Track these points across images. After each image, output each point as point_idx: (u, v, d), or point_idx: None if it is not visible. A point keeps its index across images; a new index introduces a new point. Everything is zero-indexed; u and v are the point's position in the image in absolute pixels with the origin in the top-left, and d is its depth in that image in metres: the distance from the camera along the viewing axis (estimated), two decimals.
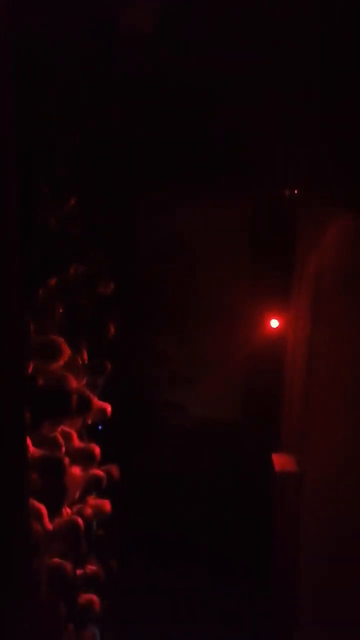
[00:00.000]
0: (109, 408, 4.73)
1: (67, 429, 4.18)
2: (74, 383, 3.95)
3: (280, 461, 4.78)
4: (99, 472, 4.52)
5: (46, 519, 3.65)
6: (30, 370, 3.69)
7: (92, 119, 3.95)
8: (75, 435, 4.29)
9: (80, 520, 4.08)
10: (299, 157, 4.23)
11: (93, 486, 4.50)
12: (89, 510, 4.42)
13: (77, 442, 4.32)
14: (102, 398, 4.88)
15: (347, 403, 4.37)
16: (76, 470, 4.26)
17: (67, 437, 4.14)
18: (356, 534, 4.19)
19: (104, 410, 4.70)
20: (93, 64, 3.50)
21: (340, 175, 4.14)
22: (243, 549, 5.37)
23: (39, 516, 3.59)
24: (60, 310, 4.13)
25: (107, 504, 4.64)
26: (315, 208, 4.53)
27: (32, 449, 3.67)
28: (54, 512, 3.87)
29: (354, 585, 4.06)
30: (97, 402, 4.59)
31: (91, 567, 4.56)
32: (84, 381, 4.55)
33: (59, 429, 3.98)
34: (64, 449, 3.98)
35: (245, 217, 5.34)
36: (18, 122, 2.56)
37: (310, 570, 4.39)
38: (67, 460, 3.90)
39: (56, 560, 3.83)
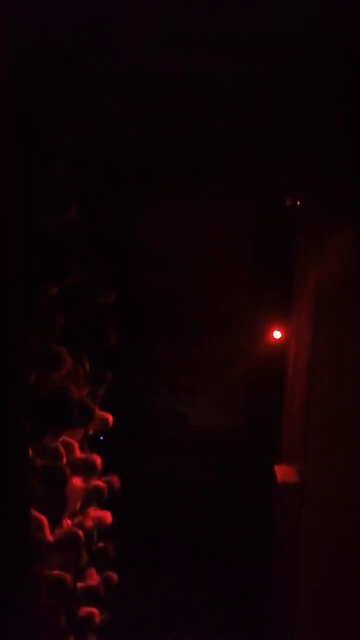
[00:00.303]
0: (110, 418, 4.70)
1: (68, 439, 4.15)
2: (75, 393, 3.92)
3: (282, 472, 4.76)
4: (100, 483, 4.48)
5: (47, 530, 3.61)
6: (32, 379, 3.65)
7: (92, 120, 3.93)
8: (76, 446, 4.26)
9: (80, 532, 4.04)
10: (301, 166, 4.22)
11: (94, 497, 4.47)
12: (89, 522, 4.38)
13: (78, 453, 4.28)
14: (103, 408, 4.87)
15: (348, 413, 4.38)
16: (77, 481, 4.22)
17: (68, 447, 4.11)
18: (355, 543, 4.22)
19: (105, 421, 4.67)
20: (93, 63, 3.48)
21: (343, 185, 4.14)
22: (243, 559, 5.33)
23: (40, 527, 3.56)
24: (61, 319, 4.10)
25: (108, 516, 4.60)
26: (317, 218, 4.52)
27: (33, 458, 3.64)
28: (55, 523, 3.83)
29: (352, 589, 4.09)
30: (99, 413, 4.55)
31: (91, 581, 4.52)
32: (85, 391, 4.53)
33: (61, 439, 3.95)
34: (65, 459, 3.95)
35: (247, 226, 5.33)
36: (17, 125, 2.55)
37: (310, 580, 4.39)
38: (68, 470, 3.87)
39: (56, 572, 3.80)
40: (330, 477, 4.36)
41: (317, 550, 4.34)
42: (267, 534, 4.96)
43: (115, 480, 4.74)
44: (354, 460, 4.30)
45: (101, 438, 5.11)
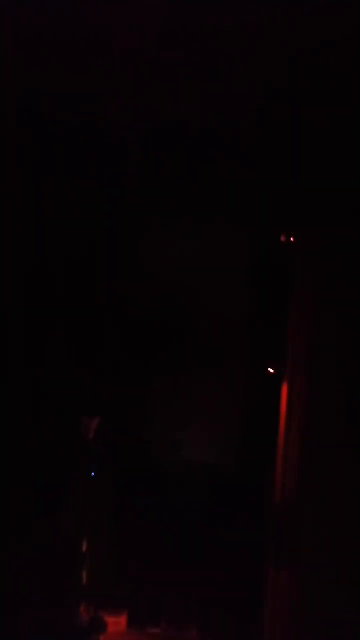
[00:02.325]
0: None
1: None
2: None
3: None
4: None
5: None
6: None
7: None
8: None
9: None
10: (298, 201, 4.20)
11: None
12: None
13: None
14: (97, 439, 4.88)
15: (342, 464, 4.35)
16: None
17: None
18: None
19: None
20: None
21: (341, 221, 4.12)
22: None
23: None
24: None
25: None
26: (313, 254, 4.49)
27: None
28: None
29: None
30: None
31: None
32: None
33: None
34: None
35: (243, 260, 5.29)
36: None
37: None
38: None
39: None
40: (325, 521, 4.34)
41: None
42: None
43: None
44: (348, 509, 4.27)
45: (93, 474, 5.07)
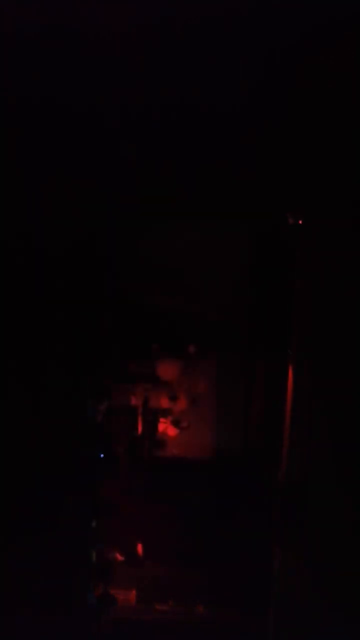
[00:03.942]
0: None
1: None
2: None
3: None
4: None
5: None
6: None
7: None
8: None
9: None
10: (302, 182, 4.16)
11: None
12: None
13: None
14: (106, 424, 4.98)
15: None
16: None
17: None
18: None
19: None
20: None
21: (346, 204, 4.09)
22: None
23: None
24: None
25: None
26: (318, 237, 4.46)
27: None
28: None
29: None
30: None
31: None
32: None
33: None
34: None
35: (245, 247, 5.26)
36: None
37: None
38: None
39: None
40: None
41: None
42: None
43: None
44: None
45: (101, 455, 5.12)
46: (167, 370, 5.74)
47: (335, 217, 4.02)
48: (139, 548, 5.37)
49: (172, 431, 5.76)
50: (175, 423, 5.80)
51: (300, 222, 4.71)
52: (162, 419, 5.78)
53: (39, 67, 3.26)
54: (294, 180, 4.01)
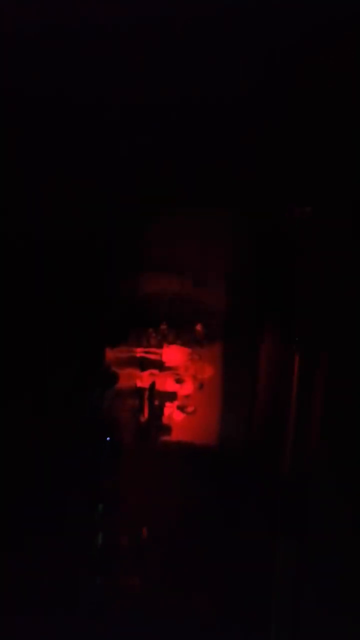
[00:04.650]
0: None
1: None
2: None
3: None
4: None
5: None
6: None
7: None
8: None
9: None
10: (302, 182, 4.16)
11: None
12: None
13: None
14: (114, 410, 5.08)
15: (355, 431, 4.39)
16: None
17: None
18: None
19: None
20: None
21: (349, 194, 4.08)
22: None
23: None
24: None
25: None
26: (321, 229, 4.46)
27: None
28: None
29: None
30: None
31: None
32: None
33: None
34: None
35: (249, 236, 5.25)
36: None
37: None
38: None
39: None
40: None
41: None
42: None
43: None
44: None
45: (108, 439, 5.19)
46: (174, 356, 5.81)
47: (335, 216, 4.01)
48: (143, 532, 5.47)
49: (178, 416, 5.82)
50: (181, 408, 5.87)
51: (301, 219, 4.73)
52: (168, 404, 5.84)
53: (39, 67, 3.26)
54: (293, 180, 4.00)
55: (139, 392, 5.73)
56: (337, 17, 2.99)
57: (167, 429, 5.74)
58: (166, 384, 5.93)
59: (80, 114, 3.49)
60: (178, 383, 5.95)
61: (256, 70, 3.32)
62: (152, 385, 5.78)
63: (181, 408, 5.83)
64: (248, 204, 4.37)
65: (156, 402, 5.82)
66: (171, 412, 5.85)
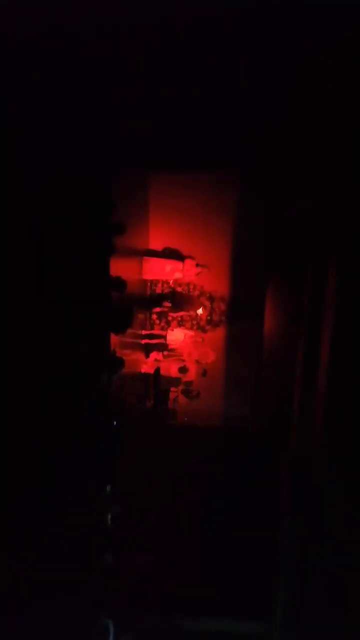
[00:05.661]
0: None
1: None
2: None
3: None
4: None
5: None
6: None
7: None
8: None
9: None
10: (302, 181, 4.16)
11: None
12: None
13: None
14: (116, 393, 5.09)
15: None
16: None
17: None
18: None
19: None
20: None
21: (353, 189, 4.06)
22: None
23: None
24: None
25: None
26: (326, 220, 4.46)
27: None
28: None
29: None
30: None
31: None
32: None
33: None
34: None
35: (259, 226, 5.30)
36: None
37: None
38: None
39: None
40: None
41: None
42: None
43: None
44: None
45: (115, 423, 5.20)
46: (179, 340, 5.85)
47: (335, 215, 4.00)
48: (150, 512, 5.48)
49: (182, 400, 5.86)
50: (186, 392, 5.90)
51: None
52: (173, 388, 5.87)
53: (39, 67, 3.25)
54: (293, 179, 3.99)
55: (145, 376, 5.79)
56: (337, 17, 2.98)
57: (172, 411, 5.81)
58: (171, 369, 5.99)
59: (80, 114, 3.48)
60: (182, 370, 6.03)
61: (256, 70, 3.31)
62: (157, 370, 5.82)
63: (185, 392, 5.90)
64: (248, 203, 4.39)
65: (161, 386, 5.88)
66: (176, 396, 5.91)
